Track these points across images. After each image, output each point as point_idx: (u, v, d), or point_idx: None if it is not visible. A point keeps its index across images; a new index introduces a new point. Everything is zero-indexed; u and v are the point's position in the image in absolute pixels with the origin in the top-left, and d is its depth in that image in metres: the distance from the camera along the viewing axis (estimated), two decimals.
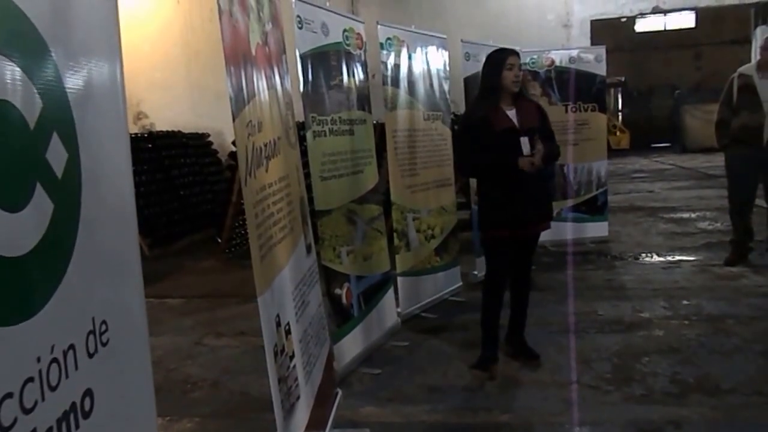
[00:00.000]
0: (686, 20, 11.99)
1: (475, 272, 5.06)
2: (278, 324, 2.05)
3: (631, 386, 3.09)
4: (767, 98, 4.73)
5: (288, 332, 2.14)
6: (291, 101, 2.74)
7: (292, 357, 2.15)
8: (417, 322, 4.21)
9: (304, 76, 3.17)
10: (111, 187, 1.16)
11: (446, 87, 4.71)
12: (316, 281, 2.84)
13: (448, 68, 4.72)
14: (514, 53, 3.21)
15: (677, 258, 5.52)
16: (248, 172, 1.90)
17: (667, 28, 12.96)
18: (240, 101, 1.92)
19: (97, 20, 1.16)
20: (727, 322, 3.90)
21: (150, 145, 7.46)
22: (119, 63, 1.21)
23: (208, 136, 8.67)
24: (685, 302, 4.32)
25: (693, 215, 7.53)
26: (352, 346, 3.47)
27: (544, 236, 6.02)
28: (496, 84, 3.18)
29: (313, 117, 3.25)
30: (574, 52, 6.02)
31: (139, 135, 7.74)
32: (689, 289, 4.62)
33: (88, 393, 1.03)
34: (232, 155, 7.71)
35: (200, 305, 4.94)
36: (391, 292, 4.00)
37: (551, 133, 3.35)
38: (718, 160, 7.23)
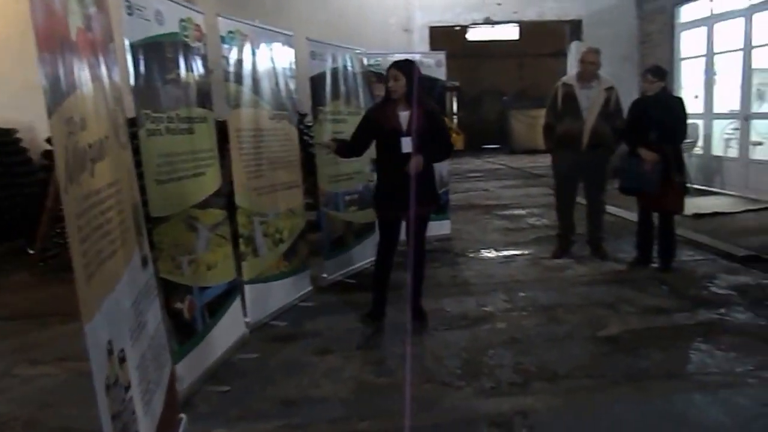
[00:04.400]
0: (511, 32, 12.95)
1: (325, 275, 4.98)
2: (110, 352, 1.77)
3: (480, 380, 3.20)
4: (586, 107, 5.20)
5: (122, 360, 1.87)
6: (121, 95, 2.42)
7: (127, 388, 1.88)
8: (267, 331, 4.02)
9: (135, 68, 2.86)
10: None
11: (292, 86, 4.55)
12: (154, 297, 2.55)
13: (294, 66, 4.57)
14: (392, 66, 3.79)
15: (512, 252, 5.89)
16: (69, 177, 1.61)
17: (496, 39, 13.93)
18: (58, 94, 1.62)
19: None
20: (558, 310, 4.22)
21: None
22: None
23: (16, 132, 7.60)
24: (521, 294, 4.60)
25: (523, 212, 8.11)
26: (196, 363, 3.20)
27: None
28: (387, 90, 3.80)
29: (146, 114, 2.94)
30: (417, 56, 6.15)
31: None
32: (524, 281, 4.94)
33: None
34: (47, 154, 6.83)
35: (10, 328, 4.26)
36: (237, 301, 3.77)
37: (439, 134, 3.83)
38: (541, 161, 7.88)
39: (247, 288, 4.01)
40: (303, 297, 4.60)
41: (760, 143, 8.22)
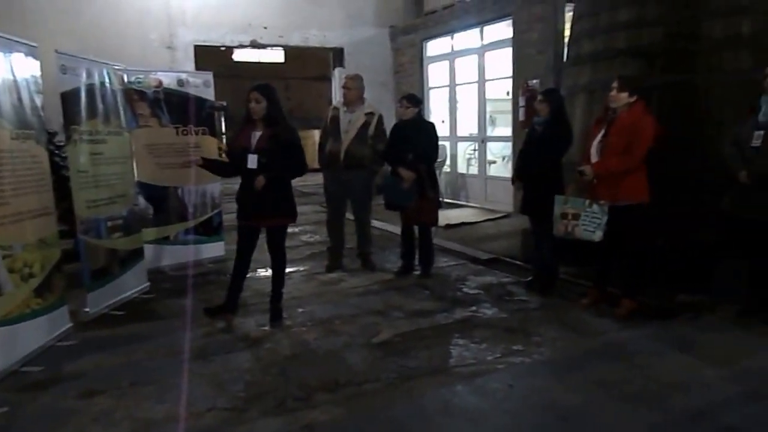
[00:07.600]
0: (277, 56, 13.20)
1: (87, 309, 4.53)
2: None
3: (265, 400, 3.20)
4: (345, 129, 5.55)
5: None
6: None
7: None
8: (18, 379, 3.53)
9: None
10: None
11: (39, 102, 4.07)
12: None
13: (40, 81, 4.10)
14: (254, 89, 4.10)
15: (288, 269, 5.90)
16: None
17: (263, 61, 14.03)
18: None
19: None
20: (336, 322, 4.41)
21: None
22: None
23: None
24: (300, 310, 4.71)
25: (297, 229, 8.21)
26: None
27: (164, 261, 5.87)
28: (247, 111, 4.14)
29: None
30: (183, 75, 5.96)
31: None
32: (302, 297, 5.07)
33: None
34: None
35: None
36: None
37: (288, 153, 4.12)
38: (311, 180, 8.13)
39: None
40: (61, 336, 4.12)
41: (494, 162, 9.67)
